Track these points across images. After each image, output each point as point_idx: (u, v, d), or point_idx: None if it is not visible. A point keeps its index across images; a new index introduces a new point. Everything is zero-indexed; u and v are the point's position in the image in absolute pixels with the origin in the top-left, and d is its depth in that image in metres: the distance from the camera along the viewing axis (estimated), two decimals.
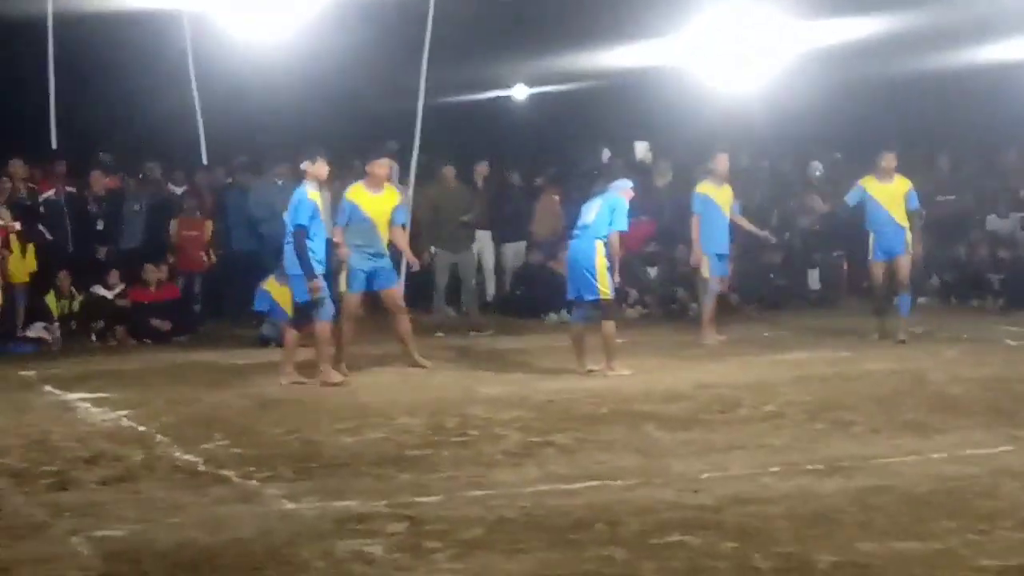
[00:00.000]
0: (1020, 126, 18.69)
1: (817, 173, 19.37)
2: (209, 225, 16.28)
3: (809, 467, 7.66)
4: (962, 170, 19.28)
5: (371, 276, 11.87)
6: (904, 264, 13.70)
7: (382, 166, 12.16)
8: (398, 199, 12.30)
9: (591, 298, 11.52)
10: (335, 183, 16.08)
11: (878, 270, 13.91)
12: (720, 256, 13.95)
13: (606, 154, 18.93)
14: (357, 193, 11.92)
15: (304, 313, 11.37)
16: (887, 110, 19.42)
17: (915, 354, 12.47)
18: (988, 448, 8.15)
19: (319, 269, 11.17)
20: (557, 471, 7.71)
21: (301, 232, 11.07)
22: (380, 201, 11.92)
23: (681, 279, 17.21)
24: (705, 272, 13.89)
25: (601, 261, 11.44)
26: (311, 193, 11.20)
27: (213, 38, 16.36)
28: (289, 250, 11.20)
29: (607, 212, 11.56)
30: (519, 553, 5.97)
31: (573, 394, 10.43)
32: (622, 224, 11.63)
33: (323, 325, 11.21)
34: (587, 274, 11.46)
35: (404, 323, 12.10)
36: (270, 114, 18.08)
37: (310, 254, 11.06)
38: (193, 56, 16.85)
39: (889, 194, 13.72)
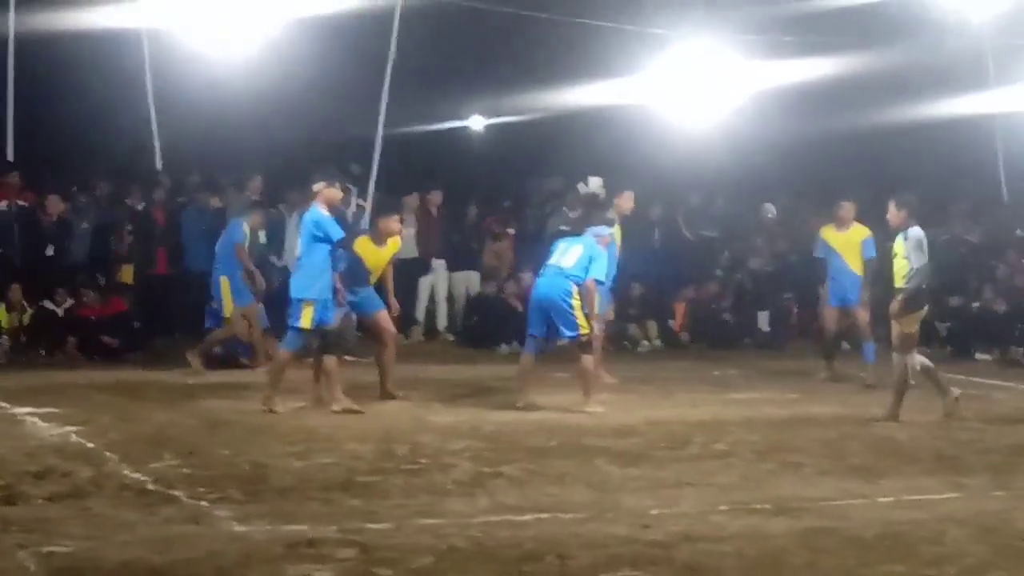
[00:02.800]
0: (971, 177, 18.96)
1: (770, 216, 19.54)
2: None
3: (758, 506, 7.70)
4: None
5: (355, 305, 11.84)
6: (862, 315, 13.84)
7: (394, 222, 12.11)
8: (398, 248, 12.26)
9: (570, 335, 11.52)
10: (278, 206, 16.15)
11: (831, 315, 14.07)
12: (610, 290, 13.89)
13: (595, 182, 18.95)
14: (363, 246, 11.83)
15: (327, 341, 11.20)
16: (842, 156, 19.63)
17: (862, 399, 12.57)
18: (934, 494, 8.22)
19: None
20: (507, 502, 7.71)
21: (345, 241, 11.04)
22: (383, 253, 11.94)
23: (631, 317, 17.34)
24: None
25: (577, 301, 11.48)
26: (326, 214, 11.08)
27: (172, 56, 16.35)
28: (298, 274, 11.03)
29: (586, 259, 11.57)
30: None
31: (524, 425, 10.45)
32: (600, 274, 11.66)
33: (286, 353, 11.13)
34: (568, 312, 11.44)
35: (390, 351, 12.03)
36: (229, 131, 18.03)
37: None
38: (151, 74, 16.83)
39: (845, 242, 13.88)
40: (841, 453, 9.60)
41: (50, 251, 15.76)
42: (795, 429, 10.68)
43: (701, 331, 17.97)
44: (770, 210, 19.64)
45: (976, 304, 17.66)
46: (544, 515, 7.37)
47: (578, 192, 17.50)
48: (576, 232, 12.11)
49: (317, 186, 11.11)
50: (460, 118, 23.41)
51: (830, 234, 14.05)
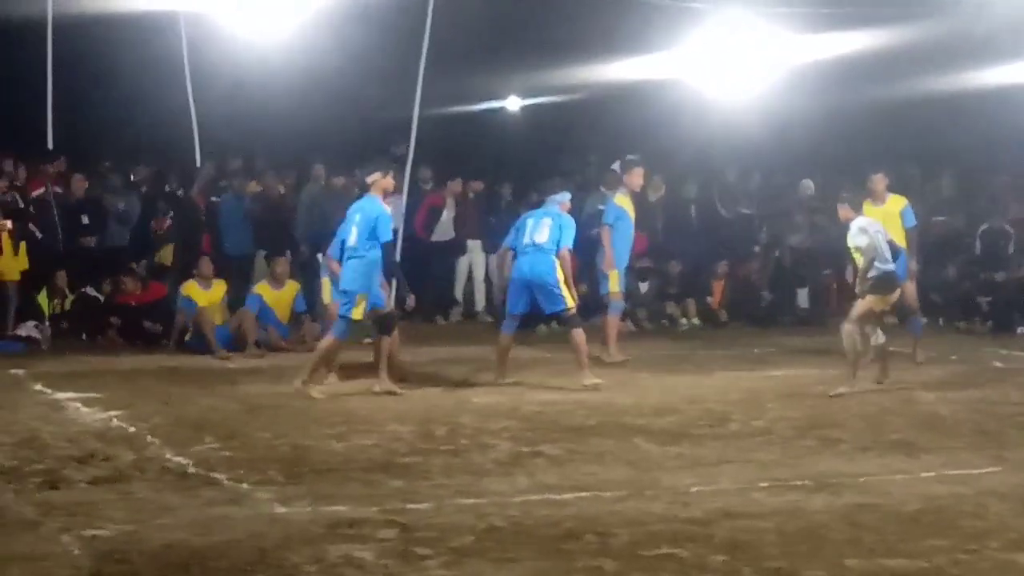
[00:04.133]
0: (1011, 149, 18.77)
1: (808, 192, 19.42)
2: None
3: (798, 483, 7.69)
4: (955, 191, 19.35)
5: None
6: (909, 289, 13.65)
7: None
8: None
9: (558, 309, 11.66)
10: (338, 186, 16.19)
11: None
12: (626, 270, 13.90)
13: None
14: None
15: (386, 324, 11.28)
16: (881, 129, 19.47)
17: (903, 375, 12.50)
18: (975, 468, 8.18)
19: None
20: (547, 481, 7.73)
21: (391, 247, 11.08)
22: None
23: (670, 295, 17.34)
24: (614, 287, 13.58)
25: (560, 275, 11.57)
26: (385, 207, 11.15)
27: (210, 40, 16.36)
28: (352, 265, 10.96)
29: (557, 230, 11.67)
30: (509, 562, 5.99)
31: (563, 405, 10.46)
32: (570, 241, 11.75)
33: (335, 342, 11.10)
34: (552, 289, 11.56)
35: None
36: (267, 118, 18.08)
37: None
38: (189, 58, 16.85)
39: (884, 216, 13.66)
40: (881, 429, 9.57)
41: (91, 242, 15.85)
42: (835, 405, 10.65)
43: (739, 309, 17.89)
44: (808, 186, 19.51)
45: (1019, 278, 17.51)
46: (583, 494, 7.38)
47: (614, 172, 17.49)
48: (543, 208, 12.06)
49: (372, 177, 11.14)
50: (497, 98, 23.38)
51: (868, 209, 13.86)
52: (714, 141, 19.24)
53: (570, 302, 11.63)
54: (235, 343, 13.91)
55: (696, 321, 17.55)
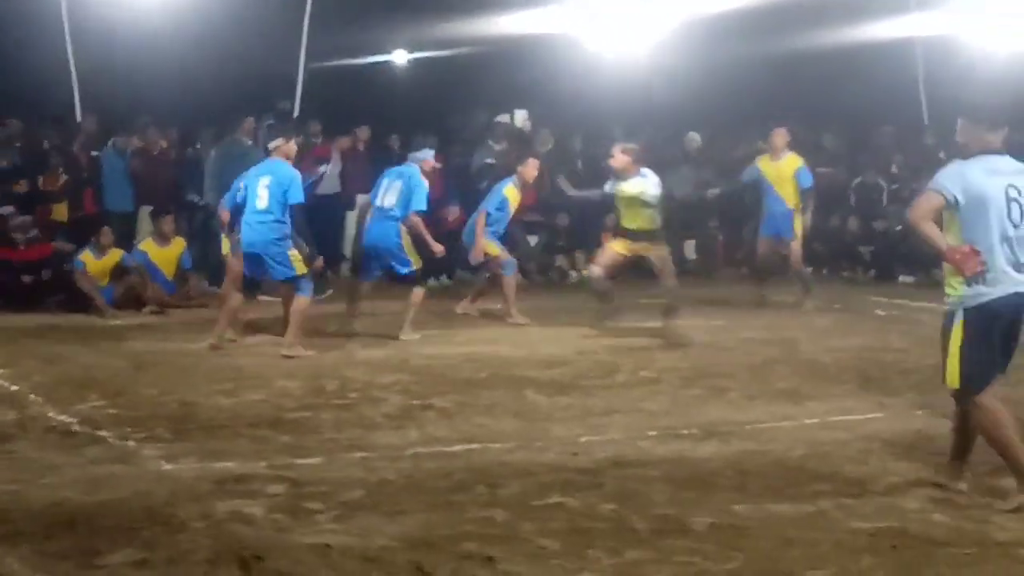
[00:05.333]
0: (893, 102, 19.07)
1: (694, 144, 19.54)
2: None
3: (686, 432, 7.78)
4: (840, 144, 19.61)
5: None
6: (795, 247, 13.86)
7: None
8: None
9: (405, 271, 11.75)
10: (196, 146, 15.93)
11: (763, 246, 14.09)
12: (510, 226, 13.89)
13: (520, 115, 18.81)
14: None
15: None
16: (768, 83, 19.65)
17: (787, 323, 12.70)
18: (858, 415, 8.35)
19: None
20: (437, 434, 7.74)
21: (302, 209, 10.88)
22: None
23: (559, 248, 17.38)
24: (496, 251, 13.17)
25: (407, 239, 11.66)
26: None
27: None
28: (267, 228, 10.71)
29: (407, 192, 11.68)
30: (400, 515, 5.99)
31: (453, 359, 10.46)
32: (421, 204, 11.73)
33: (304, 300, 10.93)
34: (397, 251, 11.67)
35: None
36: (148, 73, 17.75)
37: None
38: (68, 13, 16.51)
39: (777, 172, 13.81)
40: (767, 377, 9.72)
41: None
42: (721, 355, 10.78)
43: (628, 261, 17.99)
44: (694, 139, 19.63)
45: (899, 227, 17.82)
46: (474, 445, 7.41)
47: (501, 125, 17.46)
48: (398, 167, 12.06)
49: (275, 143, 11.00)
50: (383, 52, 23.22)
51: (765, 164, 14.00)
52: (603, 95, 19.28)
53: (416, 263, 11.71)
54: (122, 304, 13.68)
55: (585, 273, 17.60)
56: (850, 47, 18.33)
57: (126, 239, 14.82)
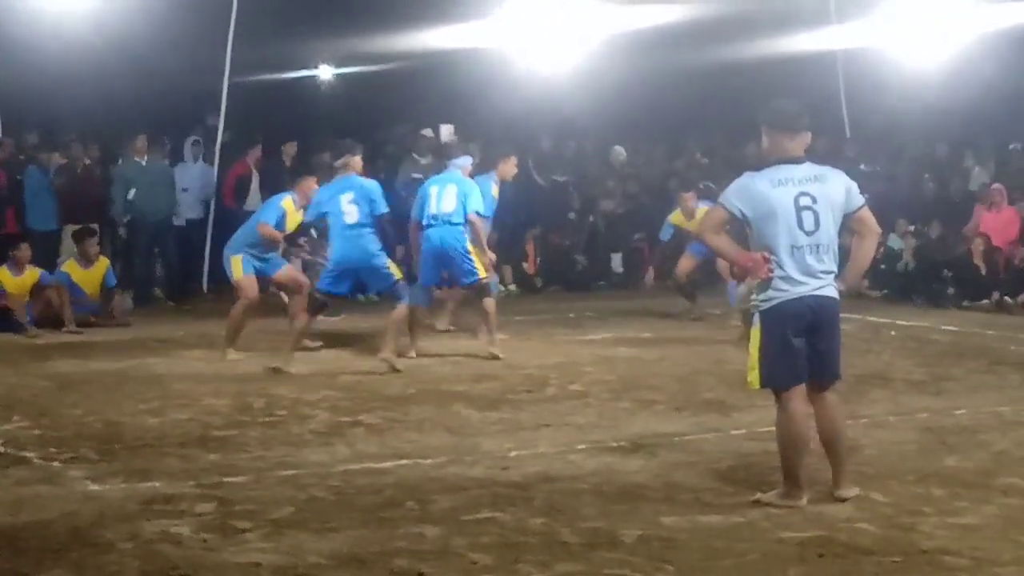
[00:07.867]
0: (815, 113, 19.23)
1: (620, 158, 19.67)
2: None
3: (614, 444, 7.82)
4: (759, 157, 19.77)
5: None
6: (685, 263, 14.00)
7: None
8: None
9: (469, 281, 11.65)
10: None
11: (687, 263, 14.13)
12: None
13: (446, 130, 18.75)
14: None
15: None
16: (692, 97, 19.80)
17: (713, 335, 12.78)
18: None
19: None
20: (367, 450, 7.72)
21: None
22: None
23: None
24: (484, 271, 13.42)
25: (471, 245, 11.56)
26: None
27: (10, 9, 15.86)
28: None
29: (462, 196, 11.61)
30: (330, 532, 5.97)
31: (382, 375, 10.43)
32: (479, 205, 11.72)
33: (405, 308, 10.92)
34: (464, 260, 11.53)
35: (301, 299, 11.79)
36: (68, 88, 17.57)
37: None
38: None
39: (694, 224, 13.82)
40: (695, 389, 9.78)
41: None
42: (649, 367, 10.84)
43: (555, 274, 18.09)
44: (620, 152, 19.76)
45: None
46: (404, 461, 7.40)
47: (426, 139, 17.46)
48: (443, 174, 12.00)
49: (342, 160, 10.87)
50: (308, 67, 23.14)
51: (678, 219, 14.13)
52: (530, 109, 19.34)
53: (482, 272, 11.61)
54: (41, 322, 13.52)
55: (513, 287, 17.65)
56: (774, 59, 18.51)
57: (50, 258, 14.65)
